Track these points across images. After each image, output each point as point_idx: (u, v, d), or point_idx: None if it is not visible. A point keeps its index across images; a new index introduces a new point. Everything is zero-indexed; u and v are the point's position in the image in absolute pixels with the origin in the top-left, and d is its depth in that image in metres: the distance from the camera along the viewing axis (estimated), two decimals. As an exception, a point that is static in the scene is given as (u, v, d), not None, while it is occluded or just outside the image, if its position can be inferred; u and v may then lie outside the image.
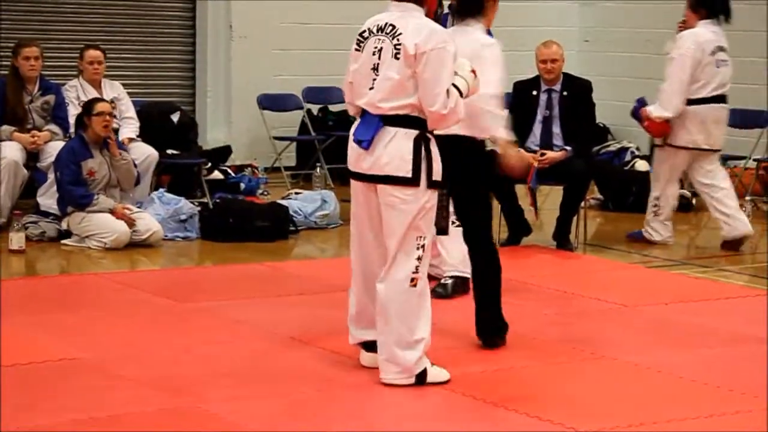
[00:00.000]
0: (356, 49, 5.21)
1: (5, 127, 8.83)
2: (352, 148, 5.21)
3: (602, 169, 10.73)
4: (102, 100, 8.69)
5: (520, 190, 8.73)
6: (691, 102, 8.69)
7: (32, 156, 8.86)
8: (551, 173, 8.60)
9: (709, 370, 5.68)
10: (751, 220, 10.02)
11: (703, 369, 5.69)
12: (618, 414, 5.02)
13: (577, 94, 8.77)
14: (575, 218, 8.76)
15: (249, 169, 10.89)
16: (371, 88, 5.13)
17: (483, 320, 5.89)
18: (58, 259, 8.10)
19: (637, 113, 8.97)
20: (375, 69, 5.12)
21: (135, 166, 8.67)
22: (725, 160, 11.25)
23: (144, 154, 9.10)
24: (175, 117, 10.25)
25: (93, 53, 9.32)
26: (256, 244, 8.40)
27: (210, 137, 11.26)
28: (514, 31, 11.87)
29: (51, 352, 5.62)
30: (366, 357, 5.42)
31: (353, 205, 5.34)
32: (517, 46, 11.21)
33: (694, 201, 10.67)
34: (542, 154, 8.59)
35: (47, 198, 8.68)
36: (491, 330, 5.89)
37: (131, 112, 9.43)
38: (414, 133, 5.10)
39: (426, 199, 5.13)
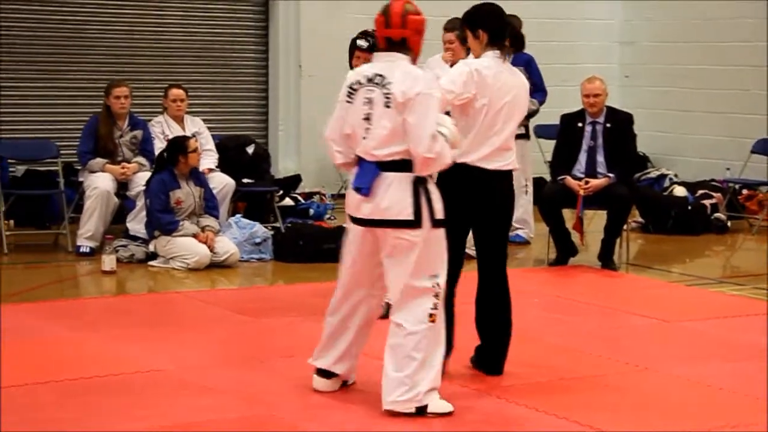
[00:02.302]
0: (347, 101, 4.97)
1: (98, 160, 8.92)
2: (351, 194, 4.98)
3: (643, 194, 10.64)
4: (189, 137, 8.69)
5: (567, 214, 8.71)
6: None
7: (122, 185, 8.94)
8: (596, 199, 8.56)
9: (748, 382, 5.58)
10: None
11: (741, 380, 5.60)
12: (662, 422, 4.96)
13: (620, 125, 8.71)
14: (618, 240, 8.69)
15: (317, 195, 10.91)
16: (364, 138, 4.90)
17: (489, 349, 5.59)
18: (145, 279, 8.15)
19: None
20: (367, 119, 4.89)
21: (214, 195, 8.73)
22: (757, 185, 11.16)
23: (222, 183, 9.16)
24: (250, 149, 10.31)
25: (176, 92, 9.40)
26: (324, 265, 8.38)
27: (282, 167, 11.31)
28: (561, 68, 11.84)
29: (141, 364, 5.66)
30: (319, 382, 5.22)
31: (350, 245, 5.08)
32: (563, 82, 11.19)
33: (729, 224, 10.57)
34: (587, 182, 8.55)
35: (136, 223, 8.75)
36: (498, 358, 5.58)
37: (210, 144, 9.49)
38: (411, 176, 4.86)
39: (432, 237, 4.89)
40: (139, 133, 9.11)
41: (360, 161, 4.98)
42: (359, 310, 5.15)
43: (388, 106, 4.86)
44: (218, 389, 5.28)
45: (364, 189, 4.90)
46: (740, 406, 5.25)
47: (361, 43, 6.79)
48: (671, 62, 12.59)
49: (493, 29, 5.52)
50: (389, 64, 4.93)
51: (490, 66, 5.45)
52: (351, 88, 4.99)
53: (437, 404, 4.95)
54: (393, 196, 4.88)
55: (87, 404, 5.03)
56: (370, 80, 4.93)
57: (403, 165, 4.88)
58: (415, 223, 4.85)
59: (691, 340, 6.49)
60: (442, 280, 4.94)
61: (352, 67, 6.90)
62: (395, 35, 4.96)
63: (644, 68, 12.85)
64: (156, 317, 6.87)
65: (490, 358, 5.60)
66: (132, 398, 5.13)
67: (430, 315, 4.89)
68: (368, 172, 4.91)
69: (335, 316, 5.21)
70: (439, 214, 4.92)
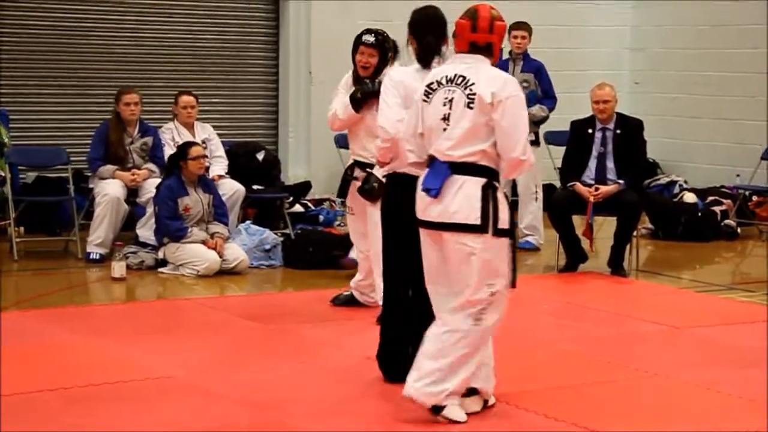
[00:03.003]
0: (424, 100, 4.92)
1: (108, 167, 8.94)
2: (420, 197, 4.90)
3: (653, 200, 10.61)
4: (195, 144, 8.73)
5: (576, 220, 8.69)
6: None
7: (132, 192, 8.95)
8: (606, 205, 8.54)
9: (758, 388, 5.54)
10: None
11: (751, 387, 5.56)
12: (672, 428, 4.95)
13: (630, 132, 8.69)
14: (628, 246, 8.67)
15: (327, 202, 10.91)
16: (441, 138, 4.85)
17: (392, 353, 5.41)
18: (155, 285, 8.16)
19: None
20: (445, 119, 4.83)
21: (223, 202, 8.74)
22: (767, 192, 11.12)
23: (232, 189, 9.18)
24: (260, 155, 10.32)
25: (186, 98, 9.41)
26: (334, 271, 8.39)
27: (291, 174, 11.31)
28: (571, 75, 11.83)
29: (150, 371, 5.65)
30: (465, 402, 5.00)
31: (423, 249, 5.00)
32: (573, 89, 11.17)
33: (739, 230, 10.54)
34: (596, 189, 8.53)
35: (145, 230, 8.75)
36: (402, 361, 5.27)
37: (221, 151, 9.50)
38: (482, 180, 4.78)
39: (495, 246, 4.79)
40: (149, 139, 9.12)
41: (432, 162, 4.91)
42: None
43: (470, 107, 4.79)
44: (228, 395, 5.27)
45: (434, 191, 4.82)
46: (750, 412, 5.22)
47: (367, 38, 6.79)
48: (681, 69, 12.56)
49: (421, 38, 5.36)
50: (470, 67, 4.88)
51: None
52: (429, 87, 4.92)
53: (453, 410, 4.90)
54: (462, 199, 4.79)
55: (96, 411, 5.02)
56: (450, 81, 4.87)
57: (475, 168, 4.81)
58: (481, 229, 4.76)
59: (701, 347, 6.47)
60: (498, 288, 4.82)
61: (355, 63, 6.91)
62: (481, 40, 4.91)
63: (654, 75, 12.83)
64: (165, 324, 6.86)
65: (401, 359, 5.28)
66: (141, 405, 5.13)
67: (477, 319, 4.81)
68: (439, 174, 4.83)
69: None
70: (502, 223, 4.81)
